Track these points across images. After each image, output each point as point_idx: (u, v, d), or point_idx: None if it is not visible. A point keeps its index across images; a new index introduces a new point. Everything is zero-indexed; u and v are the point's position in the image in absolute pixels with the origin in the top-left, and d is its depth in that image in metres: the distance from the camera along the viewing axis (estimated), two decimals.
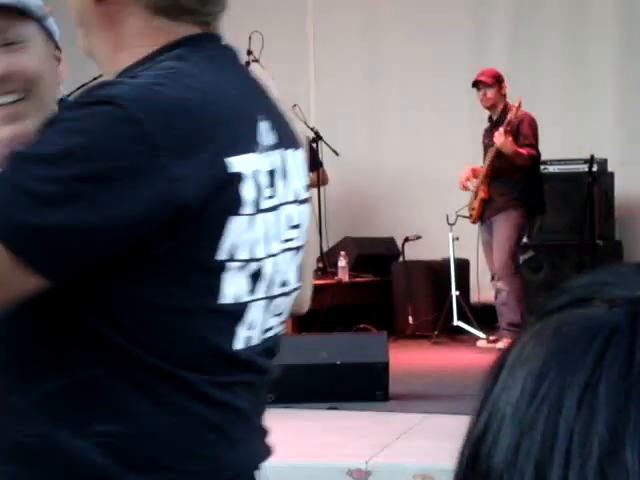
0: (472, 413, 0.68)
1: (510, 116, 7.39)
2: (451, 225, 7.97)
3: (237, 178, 1.41)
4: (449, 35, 9.41)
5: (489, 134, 7.62)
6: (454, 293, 7.99)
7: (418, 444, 3.96)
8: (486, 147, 7.66)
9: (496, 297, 7.57)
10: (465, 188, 7.70)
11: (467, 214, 7.77)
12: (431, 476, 3.31)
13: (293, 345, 5.21)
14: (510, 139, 7.33)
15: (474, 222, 7.68)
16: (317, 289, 7.11)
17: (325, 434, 4.26)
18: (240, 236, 1.42)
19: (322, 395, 4.94)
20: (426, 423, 4.48)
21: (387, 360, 4.99)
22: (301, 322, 7.73)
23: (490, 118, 7.71)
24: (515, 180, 7.48)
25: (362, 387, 4.95)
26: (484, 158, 7.69)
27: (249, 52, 8.24)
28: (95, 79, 2.11)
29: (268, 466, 3.58)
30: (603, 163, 8.41)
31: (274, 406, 4.95)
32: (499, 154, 7.41)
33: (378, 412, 4.76)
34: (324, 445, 4.00)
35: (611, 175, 8.54)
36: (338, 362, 5.03)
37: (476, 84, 7.56)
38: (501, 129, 7.33)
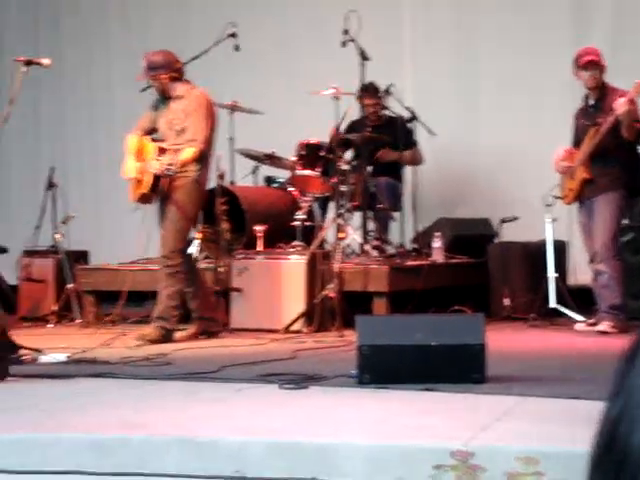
0: (607, 397, 0.69)
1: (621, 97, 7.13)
2: (548, 206, 7.84)
3: None
4: (544, 16, 9.26)
5: (587, 115, 7.45)
6: (551, 275, 7.87)
7: (518, 427, 3.89)
8: (583, 127, 7.49)
9: (595, 279, 7.42)
10: (560, 169, 7.55)
11: (560, 195, 7.63)
12: (536, 459, 3.25)
13: (388, 326, 5.17)
14: (634, 108, 7.11)
15: (569, 203, 7.54)
16: (411, 270, 7.12)
17: (421, 415, 4.21)
18: None
19: (417, 376, 4.89)
20: (525, 406, 4.41)
21: (484, 342, 4.92)
22: (395, 303, 7.68)
23: (586, 98, 7.53)
24: (617, 161, 7.31)
25: (458, 369, 4.89)
26: (575, 138, 7.52)
27: (345, 32, 8.18)
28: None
29: (364, 445, 3.55)
30: None
31: (369, 387, 4.92)
32: (612, 129, 7.16)
33: (474, 394, 4.70)
34: (420, 426, 3.95)
35: None
36: (433, 343, 4.97)
37: (587, 65, 7.33)
38: (622, 99, 7.08)
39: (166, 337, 7.06)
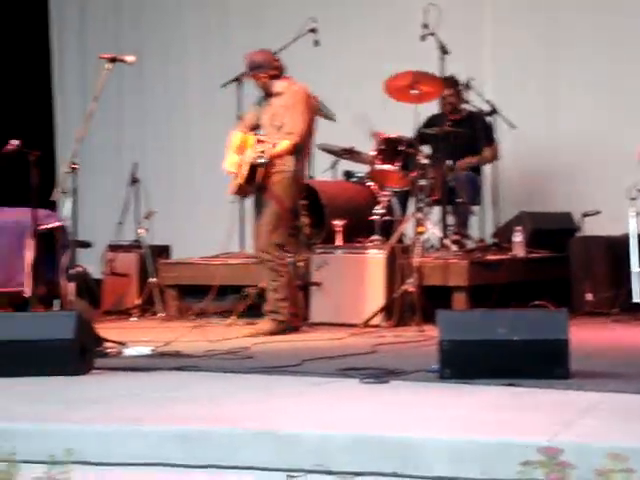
0: None
1: None
2: (632, 200, 7.74)
3: None
4: (625, 3, 9.13)
5: None
6: (635, 269, 7.76)
7: (604, 423, 3.85)
8: None
9: None
10: None
11: None
12: (625, 456, 3.21)
13: (469, 321, 5.15)
14: None
15: None
16: (491, 265, 7.03)
17: (504, 411, 4.19)
18: None
19: (499, 372, 4.87)
20: (610, 402, 4.36)
21: (568, 337, 4.88)
22: (475, 298, 7.64)
23: None
24: None
25: (541, 364, 4.86)
26: None
27: (425, 25, 8.14)
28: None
29: (448, 440, 3.54)
30: None
31: (450, 382, 4.91)
32: None
33: (558, 390, 4.66)
34: (504, 422, 3.94)
35: None
36: (515, 338, 4.94)
37: None
38: None
39: (281, 329, 7.14)
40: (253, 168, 7.15)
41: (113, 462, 3.99)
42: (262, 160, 7.09)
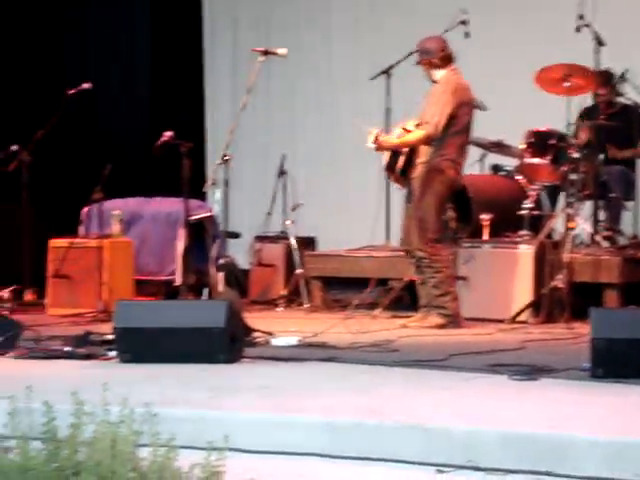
0: None
1: None
2: None
3: None
4: None
5: None
6: None
7: None
8: None
9: None
10: None
11: None
12: None
13: (623, 319, 5.04)
14: None
15: None
16: None
17: None
18: None
19: None
20: None
21: None
22: (627, 296, 7.47)
23: None
24: None
25: None
26: None
27: (580, 17, 7.99)
28: None
29: (602, 440, 3.44)
30: None
31: (603, 381, 4.81)
32: None
33: None
34: None
35: None
36: None
37: None
38: None
39: (450, 322, 7.11)
40: (392, 157, 7.21)
41: (262, 450, 4.03)
42: (371, 145, 7.13)
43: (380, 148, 7.23)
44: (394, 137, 7.27)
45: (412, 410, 4.26)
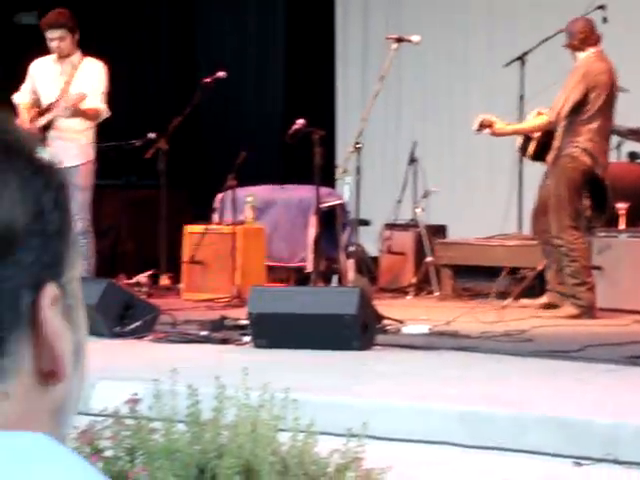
0: None
1: None
2: None
3: None
4: None
5: None
6: None
7: None
8: None
9: None
10: None
11: None
12: None
13: None
14: None
15: None
16: None
17: None
18: None
19: None
20: None
21: None
22: None
23: None
24: None
25: None
26: None
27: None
28: None
29: None
30: None
31: None
32: None
33: None
34: None
35: None
36: None
37: None
38: None
39: (584, 313, 7.03)
40: (526, 140, 7.16)
41: (397, 438, 4.04)
42: (475, 130, 7.06)
43: (496, 134, 7.14)
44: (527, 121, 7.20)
45: (549, 402, 4.22)
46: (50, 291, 0.72)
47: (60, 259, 0.73)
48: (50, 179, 0.73)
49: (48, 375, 0.72)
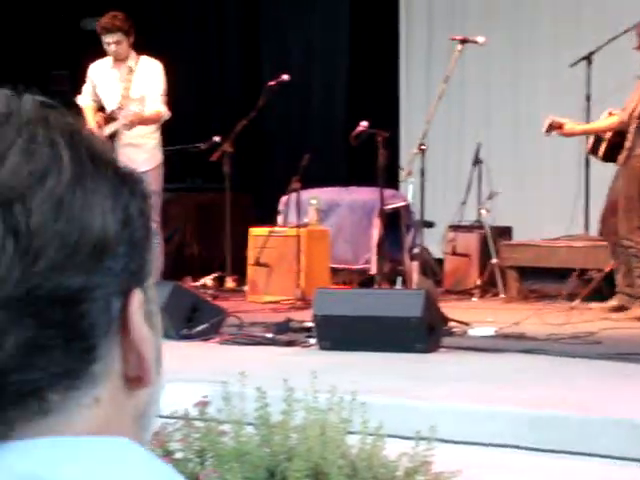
0: None
1: None
2: None
3: None
4: None
5: None
6: None
7: None
8: None
9: None
10: None
11: None
12: None
13: None
14: None
15: None
16: None
17: None
18: None
19: None
20: None
21: None
22: None
23: None
24: None
25: None
26: None
27: None
28: None
29: None
30: None
31: None
32: None
33: None
34: None
35: None
36: None
37: None
38: None
39: None
40: (597, 141, 7.10)
41: (464, 441, 4.03)
42: (543, 128, 7.00)
43: (566, 134, 7.09)
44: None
45: (619, 405, 4.17)
46: (137, 297, 0.73)
47: (143, 265, 0.74)
48: (135, 187, 0.74)
49: (134, 380, 0.73)
